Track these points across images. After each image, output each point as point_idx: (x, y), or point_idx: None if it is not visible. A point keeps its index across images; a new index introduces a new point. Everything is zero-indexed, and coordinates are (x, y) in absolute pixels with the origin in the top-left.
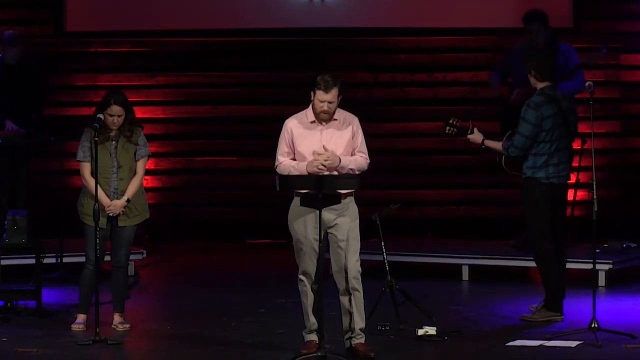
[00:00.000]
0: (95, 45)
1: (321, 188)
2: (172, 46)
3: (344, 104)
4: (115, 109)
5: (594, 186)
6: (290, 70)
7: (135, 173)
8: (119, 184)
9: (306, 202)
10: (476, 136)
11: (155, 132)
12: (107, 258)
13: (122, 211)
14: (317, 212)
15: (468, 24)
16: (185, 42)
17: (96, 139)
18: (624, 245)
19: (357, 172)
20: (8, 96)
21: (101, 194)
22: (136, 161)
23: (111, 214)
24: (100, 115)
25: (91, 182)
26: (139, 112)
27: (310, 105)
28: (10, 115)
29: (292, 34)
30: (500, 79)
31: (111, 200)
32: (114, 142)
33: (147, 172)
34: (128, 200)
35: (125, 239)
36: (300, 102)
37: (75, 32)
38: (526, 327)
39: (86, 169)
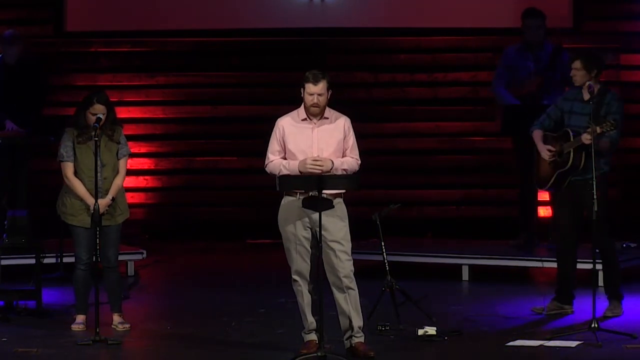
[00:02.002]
0: (95, 45)
1: (321, 188)
2: (172, 46)
3: (344, 104)
4: (99, 107)
5: (594, 186)
6: (290, 70)
7: (117, 172)
8: (103, 182)
9: (307, 204)
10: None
11: (155, 132)
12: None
13: (107, 210)
14: (307, 210)
15: (468, 24)
16: (185, 42)
17: (96, 139)
18: (624, 245)
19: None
20: (8, 96)
21: (86, 193)
22: (118, 160)
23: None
24: (101, 116)
25: (75, 182)
26: (139, 112)
27: (302, 105)
28: (10, 115)
29: (292, 34)
30: (507, 91)
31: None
32: (95, 141)
33: (147, 172)
34: (113, 199)
35: (112, 239)
36: (300, 102)
37: (75, 32)
38: (526, 327)
39: (69, 168)
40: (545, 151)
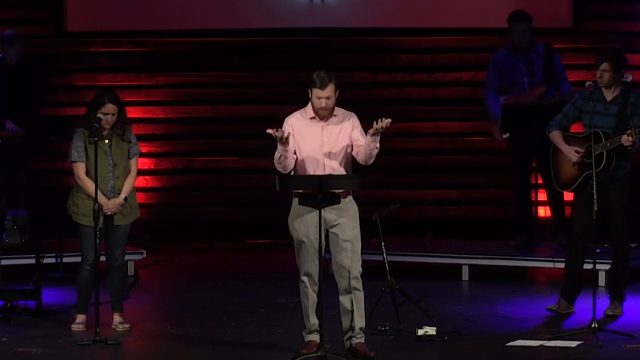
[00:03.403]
0: (95, 45)
1: (321, 188)
2: (172, 46)
3: (344, 104)
4: (110, 107)
5: (594, 186)
6: (290, 70)
7: (129, 171)
8: (115, 182)
9: (305, 201)
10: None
11: (155, 132)
12: (102, 258)
13: (119, 210)
14: (319, 212)
15: (468, 24)
16: (185, 42)
17: (96, 138)
18: None
19: (372, 159)
20: (8, 96)
21: (99, 194)
22: (129, 159)
23: (109, 213)
24: (101, 115)
25: (87, 182)
26: (139, 112)
27: (309, 103)
28: (10, 115)
29: (292, 34)
30: (496, 96)
31: (108, 199)
32: (107, 141)
33: (147, 172)
34: (125, 199)
35: (121, 238)
36: (300, 102)
37: (75, 32)
38: (526, 327)
39: (81, 169)
40: (573, 153)
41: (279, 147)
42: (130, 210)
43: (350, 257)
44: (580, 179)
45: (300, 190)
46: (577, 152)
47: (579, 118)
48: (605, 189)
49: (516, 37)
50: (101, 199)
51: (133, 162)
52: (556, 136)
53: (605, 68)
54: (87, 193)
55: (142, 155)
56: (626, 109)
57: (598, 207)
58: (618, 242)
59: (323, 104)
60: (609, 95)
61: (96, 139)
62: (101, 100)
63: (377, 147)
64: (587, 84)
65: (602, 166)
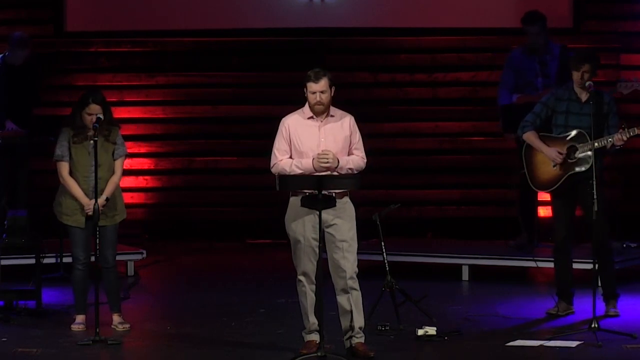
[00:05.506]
0: (95, 45)
1: (321, 188)
2: (172, 46)
3: (344, 104)
4: (94, 107)
5: (594, 186)
6: (290, 70)
7: (113, 172)
8: (98, 183)
9: (307, 202)
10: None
11: (155, 132)
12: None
13: (102, 210)
14: (315, 212)
15: (468, 24)
16: (185, 42)
17: (96, 138)
18: (624, 245)
19: (355, 172)
20: (9, 96)
21: (80, 193)
22: (114, 160)
23: (90, 213)
24: (100, 116)
25: (70, 181)
26: (139, 112)
27: (307, 104)
28: (10, 115)
29: (292, 34)
30: (510, 94)
31: (90, 200)
32: (92, 142)
33: (147, 172)
34: (107, 199)
35: (109, 239)
36: (300, 102)
37: (75, 32)
38: (526, 327)
39: (64, 168)
40: (556, 154)
41: (307, 168)
42: (115, 212)
43: (346, 257)
44: (563, 179)
45: (300, 191)
46: (560, 152)
47: (550, 118)
48: (584, 188)
49: (529, 38)
50: (83, 198)
51: (117, 163)
52: (532, 137)
53: (587, 69)
54: (70, 192)
55: (141, 155)
56: (602, 108)
57: (574, 206)
58: (601, 242)
59: (317, 98)
60: (583, 95)
61: (96, 138)
62: (85, 101)
63: (349, 169)
64: (587, 84)
65: (589, 166)
